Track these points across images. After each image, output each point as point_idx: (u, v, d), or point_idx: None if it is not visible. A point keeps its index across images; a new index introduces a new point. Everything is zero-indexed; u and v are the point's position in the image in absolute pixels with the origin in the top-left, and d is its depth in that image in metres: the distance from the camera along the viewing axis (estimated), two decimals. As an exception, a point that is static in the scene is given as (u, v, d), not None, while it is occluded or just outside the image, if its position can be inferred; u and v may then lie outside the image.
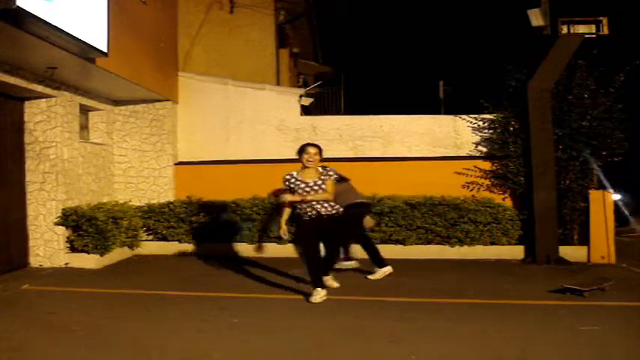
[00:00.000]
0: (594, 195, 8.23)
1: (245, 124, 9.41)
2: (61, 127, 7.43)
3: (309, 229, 5.58)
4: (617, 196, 11.10)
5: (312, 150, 5.60)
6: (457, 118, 9.05)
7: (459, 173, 8.79)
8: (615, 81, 8.24)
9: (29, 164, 7.39)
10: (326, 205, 5.55)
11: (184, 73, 9.74)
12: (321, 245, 5.75)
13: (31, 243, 7.39)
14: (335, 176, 5.65)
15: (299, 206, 5.62)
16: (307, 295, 5.55)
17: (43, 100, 7.35)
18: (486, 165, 8.79)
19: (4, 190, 6.95)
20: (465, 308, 5.45)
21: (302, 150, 5.65)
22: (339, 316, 4.96)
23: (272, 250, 8.40)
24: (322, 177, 5.56)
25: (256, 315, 5.14)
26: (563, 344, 4.29)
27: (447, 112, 10.48)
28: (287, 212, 5.86)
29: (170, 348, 4.20)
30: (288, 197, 5.67)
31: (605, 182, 8.44)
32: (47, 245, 7.38)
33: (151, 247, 8.72)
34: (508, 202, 8.63)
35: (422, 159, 8.98)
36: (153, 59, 8.49)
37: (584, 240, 8.26)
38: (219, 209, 8.67)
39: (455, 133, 9.04)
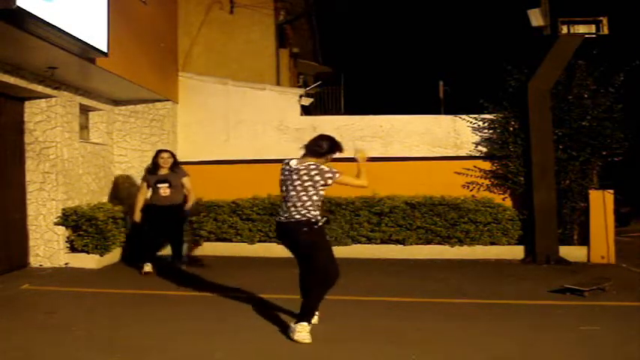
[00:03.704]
0: (594, 195, 8.23)
1: (245, 124, 9.40)
2: (61, 127, 7.42)
3: None
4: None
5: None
6: (457, 118, 9.04)
7: (459, 173, 8.79)
8: (615, 81, 8.23)
9: (29, 164, 7.38)
10: None
11: (184, 73, 9.73)
12: None
13: (31, 243, 7.38)
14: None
15: None
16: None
17: (43, 100, 7.34)
18: (486, 165, 8.79)
19: (4, 190, 6.95)
20: (465, 308, 5.46)
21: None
22: (339, 316, 4.96)
23: (273, 250, 8.40)
24: None
25: (257, 315, 5.14)
26: (563, 344, 4.30)
27: (446, 112, 10.46)
28: None
29: (170, 348, 4.20)
30: None
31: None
32: (47, 245, 7.37)
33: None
34: (508, 202, 8.62)
35: (422, 159, 8.96)
36: (153, 59, 8.49)
37: (584, 240, 8.27)
38: (219, 209, 8.67)
39: (455, 133, 9.03)
